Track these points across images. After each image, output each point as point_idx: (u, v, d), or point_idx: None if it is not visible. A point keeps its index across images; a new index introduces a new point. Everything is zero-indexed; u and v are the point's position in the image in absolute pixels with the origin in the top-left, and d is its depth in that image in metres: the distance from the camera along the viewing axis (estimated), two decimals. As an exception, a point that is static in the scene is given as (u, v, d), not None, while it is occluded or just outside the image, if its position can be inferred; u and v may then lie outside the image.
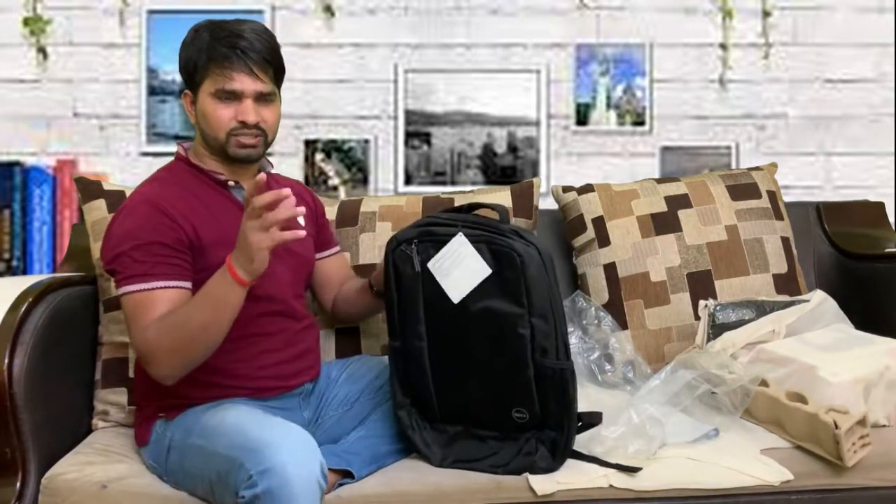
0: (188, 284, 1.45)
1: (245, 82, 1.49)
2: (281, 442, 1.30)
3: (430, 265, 1.49)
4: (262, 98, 1.52)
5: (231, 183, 1.57)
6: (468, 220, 1.52)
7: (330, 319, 1.84)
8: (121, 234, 1.46)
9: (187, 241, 1.47)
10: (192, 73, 1.52)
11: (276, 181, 1.69)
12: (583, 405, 1.49)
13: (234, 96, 1.50)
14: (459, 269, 1.47)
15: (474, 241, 1.47)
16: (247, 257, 1.33)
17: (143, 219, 1.46)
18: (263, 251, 1.32)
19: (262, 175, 1.30)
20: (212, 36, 1.50)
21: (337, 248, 1.82)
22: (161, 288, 1.42)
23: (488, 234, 1.48)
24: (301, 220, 1.63)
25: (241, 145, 1.52)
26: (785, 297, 1.89)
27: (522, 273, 1.44)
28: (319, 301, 1.81)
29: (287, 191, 1.30)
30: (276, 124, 1.57)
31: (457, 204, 1.92)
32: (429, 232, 1.52)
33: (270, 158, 1.68)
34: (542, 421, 1.47)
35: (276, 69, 1.54)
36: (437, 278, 1.48)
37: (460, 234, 1.48)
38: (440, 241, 1.50)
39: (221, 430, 1.39)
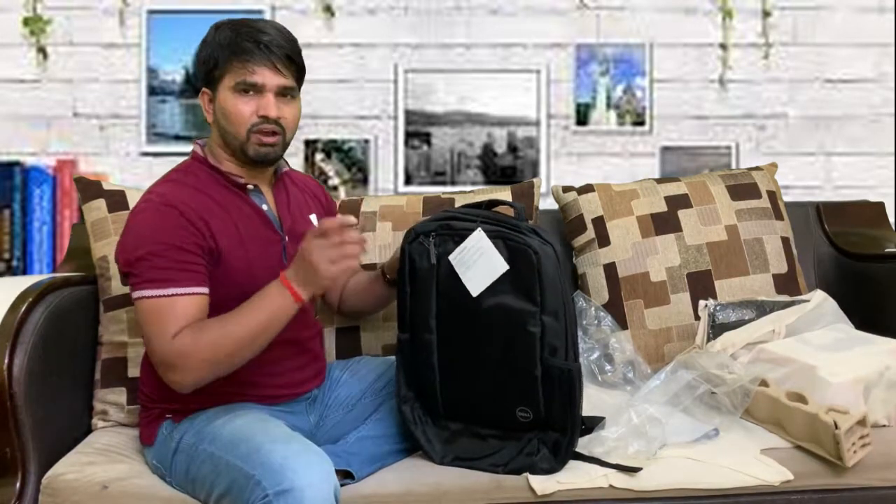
0: (207, 290, 1.43)
1: (267, 76, 1.47)
2: (302, 464, 1.29)
3: (450, 258, 1.49)
4: (284, 93, 1.50)
5: (250, 186, 1.55)
6: (486, 215, 1.53)
7: (330, 318, 1.83)
8: (139, 237, 1.42)
9: (206, 247, 1.45)
10: (212, 69, 1.49)
11: (291, 178, 1.68)
12: (583, 405, 1.49)
13: (255, 89, 1.47)
14: (478, 263, 1.48)
15: (491, 237, 1.48)
16: (315, 284, 1.37)
17: (162, 222, 1.43)
18: (333, 280, 1.37)
19: (352, 219, 1.36)
20: (234, 32, 1.48)
21: None
22: (183, 294, 1.40)
23: (505, 230, 1.48)
24: (314, 220, 1.62)
25: (261, 143, 1.49)
26: (785, 297, 1.89)
27: (537, 270, 1.44)
28: (326, 300, 1.80)
29: (351, 219, 1.35)
30: (295, 123, 1.54)
31: (457, 205, 1.93)
32: (448, 226, 1.52)
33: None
34: (546, 422, 1.47)
35: (297, 68, 1.52)
36: (458, 271, 1.48)
37: (479, 229, 1.48)
38: (458, 235, 1.50)
39: (237, 442, 1.38)
